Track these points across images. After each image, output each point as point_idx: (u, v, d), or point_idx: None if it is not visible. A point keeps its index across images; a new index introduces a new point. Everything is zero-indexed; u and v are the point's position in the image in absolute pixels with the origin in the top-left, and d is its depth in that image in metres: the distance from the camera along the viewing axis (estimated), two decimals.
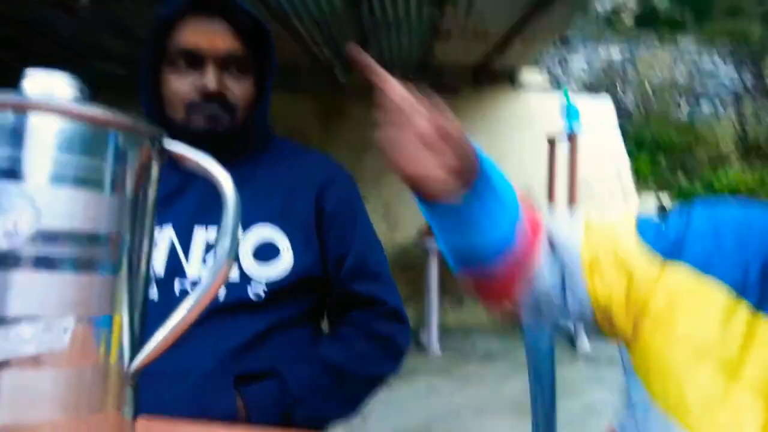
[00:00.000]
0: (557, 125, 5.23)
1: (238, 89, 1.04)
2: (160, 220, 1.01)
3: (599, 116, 5.67)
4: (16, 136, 0.42)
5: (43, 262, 0.41)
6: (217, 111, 1.02)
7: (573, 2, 3.96)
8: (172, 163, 0.52)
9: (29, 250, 0.41)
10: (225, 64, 1.02)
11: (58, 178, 0.43)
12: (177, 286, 0.97)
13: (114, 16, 4.10)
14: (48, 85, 0.46)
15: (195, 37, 1.02)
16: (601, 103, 5.98)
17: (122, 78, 5.64)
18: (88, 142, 0.44)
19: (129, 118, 0.47)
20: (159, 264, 0.99)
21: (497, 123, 5.67)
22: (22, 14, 4.24)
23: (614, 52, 9.04)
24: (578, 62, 8.73)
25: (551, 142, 4.80)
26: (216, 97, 1.01)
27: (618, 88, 8.49)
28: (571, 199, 4.34)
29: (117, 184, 0.46)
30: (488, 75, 5.76)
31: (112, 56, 5.28)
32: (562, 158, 4.73)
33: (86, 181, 0.44)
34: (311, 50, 5.00)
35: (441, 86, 5.77)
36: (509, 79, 5.83)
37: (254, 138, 1.11)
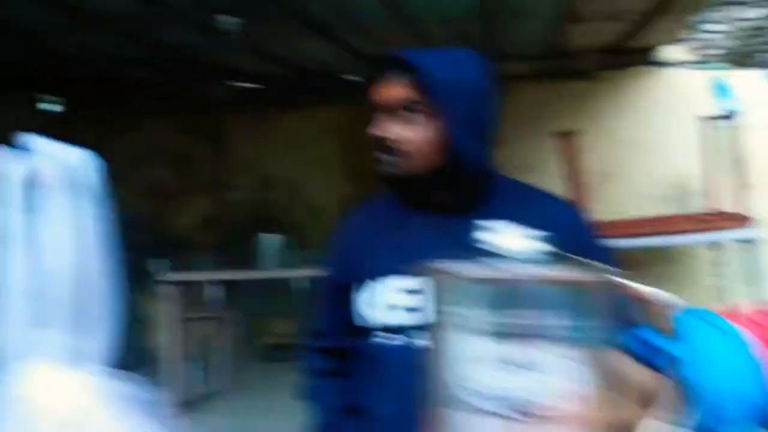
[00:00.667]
0: (707, 105, 4.81)
1: (409, 133, 1.07)
2: (382, 271, 1.08)
3: (756, 91, 5.15)
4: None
5: None
6: (382, 155, 1.08)
7: None
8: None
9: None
10: (394, 111, 1.08)
11: (565, 338, 0.47)
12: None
13: (257, 38, 4.26)
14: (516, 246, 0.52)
15: (374, 92, 1.11)
16: (755, 75, 5.42)
17: (258, 93, 5.95)
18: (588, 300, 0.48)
19: (607, 274, 0.52)
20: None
21: (637, 106, 5.31)
22: (167, 37, 4.51)
23: (753, 14, 8.18)
24: (715, 29, 7.99)
25: (706, 124, 4.41)
26: (380, 143, 1.08)
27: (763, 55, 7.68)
28: (740, 187, 3.95)
29: (602, 335, 0.48)
30: (624, 55, 5.40)
31: (248, 75, 5.53)
32: (718, 141, 4.34)
33: (583, 336, 0.47)
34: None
35: (572, 71, 5.51)
36: (648, 58, 5.43)
37: (464, 180, 1.10)
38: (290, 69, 5.40)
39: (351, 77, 5.76)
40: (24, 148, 0.59)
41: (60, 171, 0.58)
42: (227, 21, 3.88)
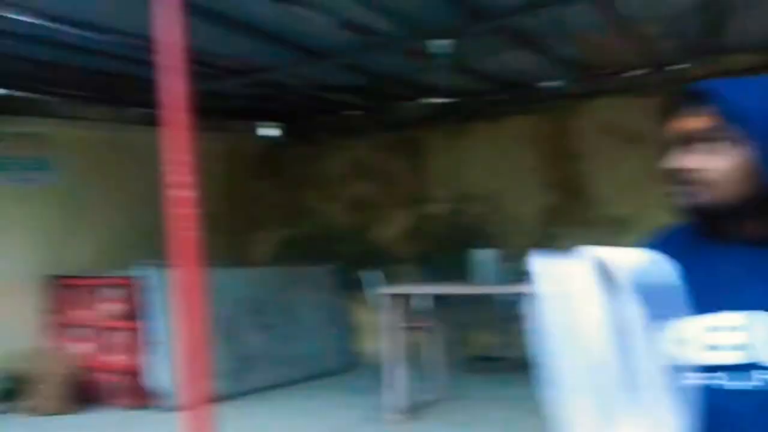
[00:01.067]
0: None
1: (712, 163, 1.05)
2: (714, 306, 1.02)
3: None
4: None
5: None
6: (680, 187, 1.07)
7: None
8: None
9: None
10: (694, 142, 1.06)
11: None
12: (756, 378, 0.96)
13: (462, 56, 4.36)
14: None
15: (670, 125, 1.10)
16: None
17: (454, 107, 6.10)
18: None
19: None
20: (731, 353, 0.98)
21: None
22: (375, 64, 4.79)
23: None
24: None
25: None
26: (678, 175, 1.07)
27: None
28: None
29: None
30: None
31: (443, 90, 5.69)
32: None
33: None
34: (653, 49, 4.67)
35: None
36: None
37: None
38: (487, 81, 5.45)
39: (550, 85, 5.67)
40: (584, 252, 0.67)
41: (628, 271, 0.65)
42: (438, 44, 4.03)
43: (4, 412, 4.71)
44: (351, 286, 6.15)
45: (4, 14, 3.57)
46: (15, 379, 4.87)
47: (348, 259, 6.36)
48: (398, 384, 4.21)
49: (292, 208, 7.00)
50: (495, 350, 5.68)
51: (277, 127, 7.01)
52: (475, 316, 5.36)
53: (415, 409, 4.25)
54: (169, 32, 2.37)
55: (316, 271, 6.31)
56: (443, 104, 5.99)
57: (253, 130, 7.02)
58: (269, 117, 6.87)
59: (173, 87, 2.32)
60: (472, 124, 6.12)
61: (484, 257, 4.06)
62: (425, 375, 4.70)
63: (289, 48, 4.34)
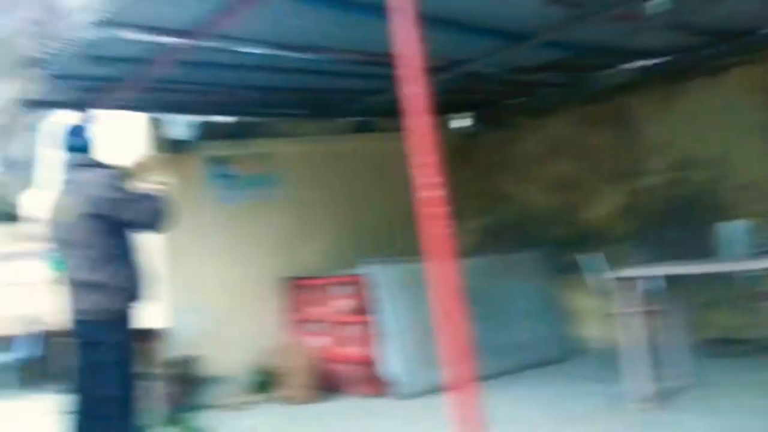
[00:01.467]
0: None
1: None
2: None
3: None
4: None
5: None
6: None
7: None
8: None
9: None
10: None
11: None
12: None
13: (676, 12, 3.99)
14: None
15: None
16: None
17: (662, 68, 5.56)
18: None
19: None
20: None
21: None
22: (580, 36, 4.52)
23: None
24: None
25: None
26: None
27: None
28: None
29: None
30: None
31: (653, 51, 5.23)
32: None
33: None
34: None
35: None
36: None
37: None
38: (703, 34, 4.90)
39: None
40: None
41: None
42: (656, 3, 3.72)
43: (262, 402, 5.31)
44: (563, 271, 5.93)
45: (236, 49, 3.98)
46: (267, 373, 5.47)
47: (556, 242, 6.15)
48: (638, 371, 3.98)
49: (492, 196, 6.96)
50: (739, 332, 5.13)
51: (468, 116, 7.01)
52: (714, 295, 4.88)
53: (659, 397, 3.99)
54: (405, 42, 2.47)
55: (525, 257, 6.19)
56: (651, 66, 5.51)
57: (445, 122, 7.10)
58: (461, 107, 6.89)
59: (406, 93, 2.43)
60: (687, 83, 5.56)
61: (729, 230, 3.67)
62: (664, 361, 4.39)
63: (487, 36, 4.29)
